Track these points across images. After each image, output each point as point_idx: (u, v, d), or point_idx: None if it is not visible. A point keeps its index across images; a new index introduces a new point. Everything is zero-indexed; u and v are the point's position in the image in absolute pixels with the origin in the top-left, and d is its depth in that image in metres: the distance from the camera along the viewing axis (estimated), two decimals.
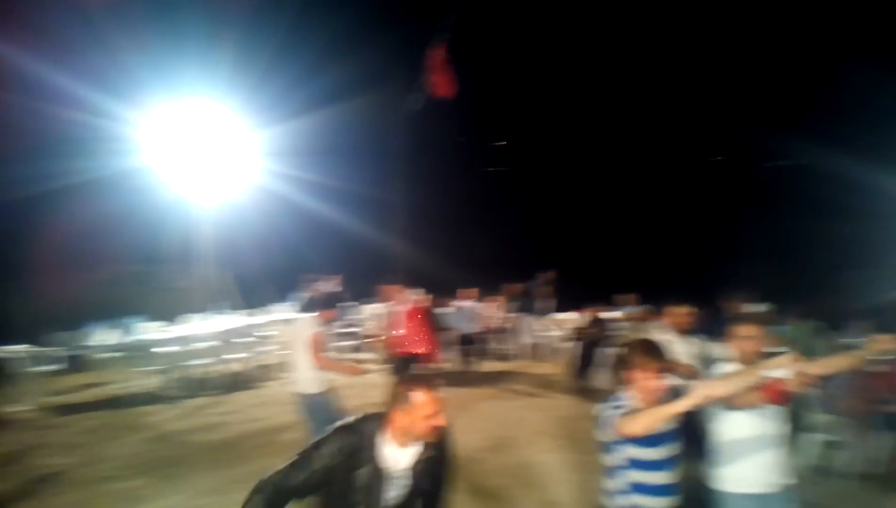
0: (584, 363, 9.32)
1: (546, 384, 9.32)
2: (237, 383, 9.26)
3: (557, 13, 17.47)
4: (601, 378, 9.06)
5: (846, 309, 7.70)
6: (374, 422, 2.73)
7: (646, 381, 3.06)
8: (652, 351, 3.15)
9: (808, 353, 3.72)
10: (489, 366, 10.50)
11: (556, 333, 11.13)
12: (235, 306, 11.79)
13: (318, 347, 5.37)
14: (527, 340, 11.39)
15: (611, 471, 3.17)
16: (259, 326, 10.39)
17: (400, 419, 2.66)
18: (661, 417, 2.86)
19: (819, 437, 5.63)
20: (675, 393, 3.04)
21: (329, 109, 13.76)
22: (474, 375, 9.92)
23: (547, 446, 6.50)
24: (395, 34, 15.03)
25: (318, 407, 5.28)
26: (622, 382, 3.20)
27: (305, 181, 13.10)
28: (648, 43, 17.43)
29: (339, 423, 2.75)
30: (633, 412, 2.99)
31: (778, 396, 3.32)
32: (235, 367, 9.71)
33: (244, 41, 13.27)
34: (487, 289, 11.39)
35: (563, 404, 8.27)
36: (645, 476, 3.09)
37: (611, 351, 9.13)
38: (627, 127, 19.68)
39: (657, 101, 18.52)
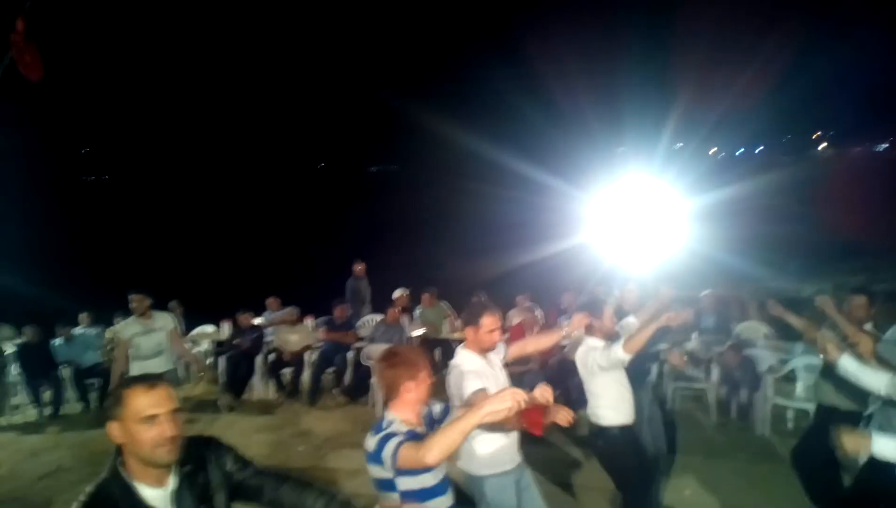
0: (236, 376, 9.11)
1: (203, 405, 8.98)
2: None
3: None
4: (258, 390, 9.20)
5: None
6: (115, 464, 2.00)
7: (417, 392, 2.70)
8: (414, 357, 2.77)
9: None
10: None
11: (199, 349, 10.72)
12: None
13: None
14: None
15: None
16: None
17: (124, 439, 1.96)
18: (459, 437, 2.29)
19: None
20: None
21: None
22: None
23: None
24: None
25: None
26: (385, 405, 2.81)
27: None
28: (259, 56, 17.94)
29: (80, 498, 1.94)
30: (415, 438, 2.53)
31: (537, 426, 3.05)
32: None
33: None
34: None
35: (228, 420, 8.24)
36: (431, 505, 2.72)
37: (261, 359, 9.34)
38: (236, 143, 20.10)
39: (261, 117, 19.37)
